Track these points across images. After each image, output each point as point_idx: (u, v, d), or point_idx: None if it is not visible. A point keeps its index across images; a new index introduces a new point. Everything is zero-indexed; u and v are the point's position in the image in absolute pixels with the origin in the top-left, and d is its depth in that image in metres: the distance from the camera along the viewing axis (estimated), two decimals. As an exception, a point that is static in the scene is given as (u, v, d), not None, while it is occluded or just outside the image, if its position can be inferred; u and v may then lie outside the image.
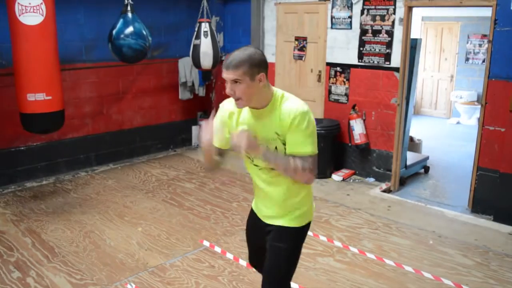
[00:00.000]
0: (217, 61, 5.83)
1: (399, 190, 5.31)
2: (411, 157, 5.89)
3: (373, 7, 5.24)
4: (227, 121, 2.21)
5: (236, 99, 2.04)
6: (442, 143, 7.50)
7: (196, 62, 5.74)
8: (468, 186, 4.84)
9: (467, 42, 9.02)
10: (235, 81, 2.00)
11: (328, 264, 3.61)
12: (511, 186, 4.36)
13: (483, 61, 8.72)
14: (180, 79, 6.55)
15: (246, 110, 2.15)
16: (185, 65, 6.50)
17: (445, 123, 9.22)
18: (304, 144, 2.03)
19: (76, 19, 5.60)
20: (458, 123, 9.13)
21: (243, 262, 3.55)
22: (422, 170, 6.02)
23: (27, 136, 5.27)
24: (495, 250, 3.85)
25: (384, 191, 5.23)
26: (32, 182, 5.40)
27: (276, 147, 2.09)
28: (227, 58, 2.02)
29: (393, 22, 5.13)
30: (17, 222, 4.34)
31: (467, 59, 9.08)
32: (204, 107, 7.13)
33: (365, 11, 5.31)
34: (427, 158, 6.14)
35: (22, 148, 5.40)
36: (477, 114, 8.72)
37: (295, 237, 2.26)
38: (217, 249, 3.82)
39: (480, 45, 8.85)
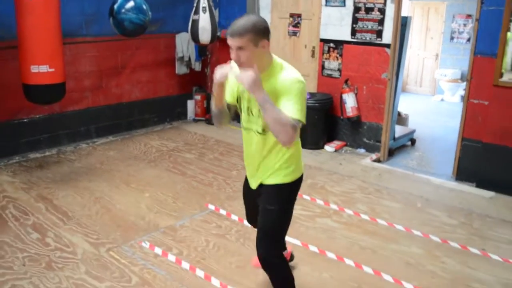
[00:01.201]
0: (215, 36, 6.02)
1: (388, 160, 5.62)
2: (399, 130, 6.19)
3: (366, -15, 5.47)
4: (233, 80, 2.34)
5: (240, 64, 2.19)
6: (427, 119, 7.83)
7: (195, 37, 5.92)
8: (452, 158, 5.16)
9: (452, 22, 9.31)
10: (240, 48, 2.14)
11: (326, 224, 3.91)
12: (493, 155, 4.69)
13: (468, 40, 9.05)
14: (177, 54, 6.72)
15: None
16: (182, 40, 6.67)
17: (429, 100, 9.56)
18: (295, 109, 2.14)
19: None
20: (442, 100, 9.48)
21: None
22: (409, 143, 6.35)
23: (30, 108, 5.43)
24: (477, 212, 4.20)
25: (374, 161, 5.55)
26: (36, 153, 5.56)
27: None
28: (232, 26, 2.15)
29: (385, 0, 5.36)
30: (28, 189, 4.53)
31: (452, 38, 9.39)
32: (199, 82, 7.31)
33: (359, -11, 5.54)
34: (414, 131, 6.47)
35: (25, 120, 5.55)
36: (461, 92, 9.10)
37: (283, 196, 2.43)
38: (222, 212, 4.09)
39: (464, 25, 9.15)
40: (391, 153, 5.81)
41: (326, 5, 5.87)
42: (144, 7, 5.22)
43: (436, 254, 3.47)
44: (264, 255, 2.43)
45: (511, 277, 3.19)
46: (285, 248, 3.02)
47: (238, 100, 2.44)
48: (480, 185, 4.78)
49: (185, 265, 3.26)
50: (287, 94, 2.17)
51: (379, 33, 5.49)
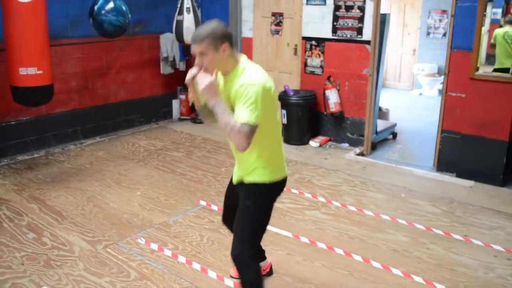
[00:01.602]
0: (200, 36, 6.10)
1: (371, 154, 5.79)
2: (381, 124, 6.37)
3: (346, -16, 5.63)
4: None
5: (204, 70, 2.25)
6: (407, 113, 8.04)
7: (180, 37, 6.01)
8: (432, 150, 5.36)
9: (428, 17, 9.56)
10: (201, 53, 2.22)
11: (315, 216, 4.05)
12: (472, 145, 4.89)
13: (443, 35, 9.30)
14: (162, 54, 6.79)
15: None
16: (166, 41, 6.74)
17: (408, 95, 9.80)
18: (245, 113, 2.15)
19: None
20: (420, 94, 9.72)
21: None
22: (391, 136, 6.54)
23: (17, 110, 5.46)
24: (459, 201, 4.39)
25: (358, 154, 5.72)
26: (24, 156, 5.58)
27: None
28: (193, 33, 2.27)
29: (364, -2, 5.54)
30: (19, 191, 4.57)
31: (428, 34, 9.63)
32: (183, 81, 7.34)
33: (339, -12, 5.70)
34: (395, 125, 6.66)
35: (13, 122, 5.56)
36: (438, 85, 9.35)
37: (259, 193, 2.43)
38: (214, 207, 4.20)
39: (440, 20, 9.41)
40: (374, 146, 5.98)
41: (307, 3, 6.02)
42: (124, 8, 5.27)
43: (421, 241, 3.64)
44: (236, 253, 2.42)
45: (493, 261, 3.38)
46: (264, 258, 3.05)
47: None
48: (460, 175, 4.98)
49: (182, 259, 3.37)
50: (239, 97, 2.19)
51: (359, 30, 5.66)
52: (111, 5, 5.07)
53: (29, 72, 4.32)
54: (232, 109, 2.25)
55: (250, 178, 2.44)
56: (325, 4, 5.85)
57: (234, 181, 2.58)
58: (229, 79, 2.31)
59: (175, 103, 7.32)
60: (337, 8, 5.77)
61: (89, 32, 5.79)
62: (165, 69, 6.92)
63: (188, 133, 6.56)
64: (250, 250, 2.46)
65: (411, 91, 9.99)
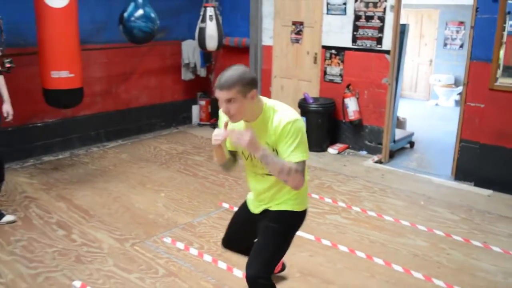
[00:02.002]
0: (221, 43, 6.26)
1: (389, 162, 5.87)
2: (398, 133, 6.44)
3: (367, -6, 5.75)
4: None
5: (230, 117, 2.20)
6: (423, 123, 8.10)
7: (202, 44, 6.17)
8: (449, 159, 5.42)
9: (445, 29, 9.64)
10: (229, 100, 2.14)
11: (336, 220, 4.14)
12: (490, 155, 4.95)
13: (460, 46, 9.38)
14: (183, 61, 6.94)
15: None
16: (188, 47, 6.90)
17: (424, 105, 9.86)
18: (296, 152, 2.16)
19: (87, 1, 5.91)
20: (436, 104, 9.78)
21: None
22: (408, 145, 6.61)
23: (44, 112, 5.63)
24: (477, 208, 4.45)
25: (376, 162, 5.79)
26: (49, 156, 5.74)
27: None
28: (220, 79, 2.16)
29: (384, 8, 5.64)
30: (47, 190, 4.72)
31: (445, 45, 9.71)
32: (203, 87, 7.53)
33: (360, -1, 5.82)
34: (413, 134, 6.73)
35: (39, 124, 5.73)
36: (455, 96, 9.42)
37: (287, 219, 2.43)
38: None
39: (457, 31, 9.48)
40: (392, 155, 6.05)
41: (327, 13, 6.14)
42: (153, 15, 5.45)
43: (441, 246, 3.71)
44: (253, 275, 2.33)
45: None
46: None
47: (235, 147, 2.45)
48: (478, 184, 5.04)
49: (207, 257, 3.47)
50: (283, 138, 2.19)
51: (379, 40, 5.76)
52: (140, 12, 5.25)
53: (61, 75, 4.48)
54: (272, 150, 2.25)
55: (278, 207, 2.43)
56: (345, 14, 5.97)
57: (256, 211, 2.54)
58: (258, 124, 2.26)
59: (195, 109, 7.46)
60: (357, 18, 5.88)
61: (113, 38, 6.01)
62: (186, 75, 7.07)
63: (208, 138, 6.68)
64: (268, 274, 2.38)
65: (428, 101, 10.05)
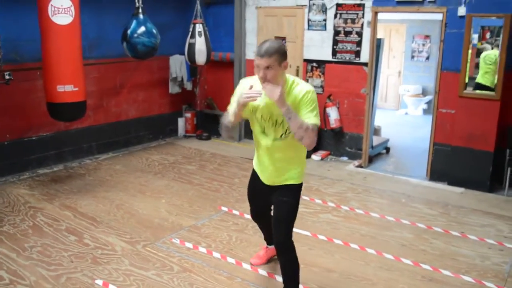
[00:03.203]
0: (209, 58, 6.60)
1: (369, 166, 6.31)
2: (375, 140, 6.90)
3: (345, 11, 6.21)
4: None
5: (267, 81, 2.53)
6: (396, 130, 8.59)
7: (192, 59, 6.48)
8: (423, 161, 5.92)
9: (412, 42, 10.27)
10: (268, 67, 2.50)
11: (328, 218, 4.51)
12: (461, 156, 5.44)
13: (427, 58, 10.02)
14: (171, 75, 7.24)
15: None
16: (175, 62, 7.21)
17: (395, 114, 10.42)
18: (313, 116, 2.59)
19: (80, 19, 6.15)
20: (406, 113, 10.36)
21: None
22: (384, 151, 7.08)
23: (38, 126, 5.82)
24: (452, 204, 4.92)
25: (357, 166, 6.23)
26: (44, 169, 5.91)
27: (282, 121, 2.67)
28: (260, 48, 2.53)
29: (362, 24, 6.12)
30: (49, 200, 4.91)
31: (412, 57, 10.34)
32: (189, 100, 7.83)
33: (338, 15, 6.28)
34: (388, 140, 7.22)
35: (34, 138, 5.90)
36: (423, 105, 10.02)
37: (295, 192, 2.91)
38: (235, 212, 4.62)
39: (423, 44, 10.13)
40: (370, 160, 6.50)
41: (308, 29, 6.58)
42: (154, 31, 5.78)
43: (424, 237, 4.13)
44: (282, 239, 2.85)
45: (488, 251, 3.89)
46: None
47: (253, 111, 2.79)
48: (451, 183, 5.52)
49: (216, 254, 3.77)
50: (304, 104, 2.61)
51: (357, 53, 6.22)
52: (142, 28, 5.57)
53: (66, 89, 4.71)
54: (281, 116, 2.65)
55: (286, 182, 2.89)
56: (325, 29, 6.42)
57: (267, 182, 2.97)
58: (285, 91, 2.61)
59: (181, 121, 7.74)
60: (336, 33, 6.34)
61: (104, 53, 6.28)
62: (173, 89, 7.36)
63: (196, 148, 6.98)
64: (291, 237, 2.91)
65: (397, 110, 10.62)
